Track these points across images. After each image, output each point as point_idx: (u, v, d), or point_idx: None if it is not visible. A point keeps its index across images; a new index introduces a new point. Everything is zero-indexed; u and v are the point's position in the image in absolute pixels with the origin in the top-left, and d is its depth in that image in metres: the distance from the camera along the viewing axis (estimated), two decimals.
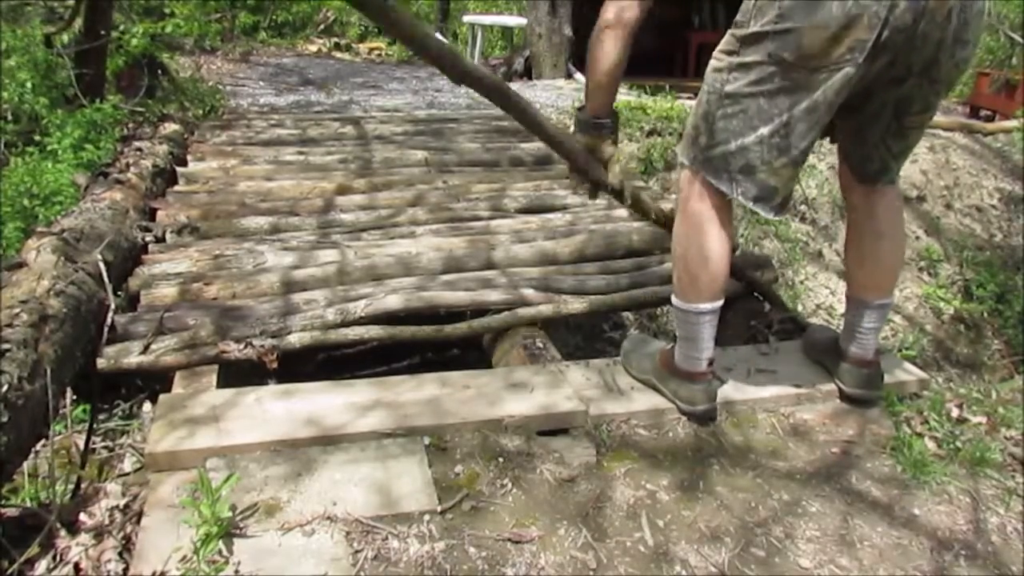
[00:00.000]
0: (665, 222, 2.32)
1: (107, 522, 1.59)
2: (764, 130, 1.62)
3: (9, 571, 1.42)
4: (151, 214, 2.97)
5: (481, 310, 2.37)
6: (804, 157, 1.67)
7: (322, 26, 10.87)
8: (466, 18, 10.15)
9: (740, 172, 1.67)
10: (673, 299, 1.86)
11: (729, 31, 1.67)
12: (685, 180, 1.80)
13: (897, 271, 1.96)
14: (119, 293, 2.32)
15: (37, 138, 3.84)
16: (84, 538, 1.53)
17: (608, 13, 1.75)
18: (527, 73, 7.22)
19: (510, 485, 1.64)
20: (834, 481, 1.74)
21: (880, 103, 1.70)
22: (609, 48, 1.76)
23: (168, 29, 5.14)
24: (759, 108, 1.62)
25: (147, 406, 2.28)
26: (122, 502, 1.65)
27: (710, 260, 1.76)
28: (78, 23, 4.39)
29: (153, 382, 2.23)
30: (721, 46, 1.69)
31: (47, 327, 1.82)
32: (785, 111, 1.60)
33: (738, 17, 1.64)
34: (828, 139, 1.92)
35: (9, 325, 1.73)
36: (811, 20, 1.51)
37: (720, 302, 1.82)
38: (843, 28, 1.49)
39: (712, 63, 1.70)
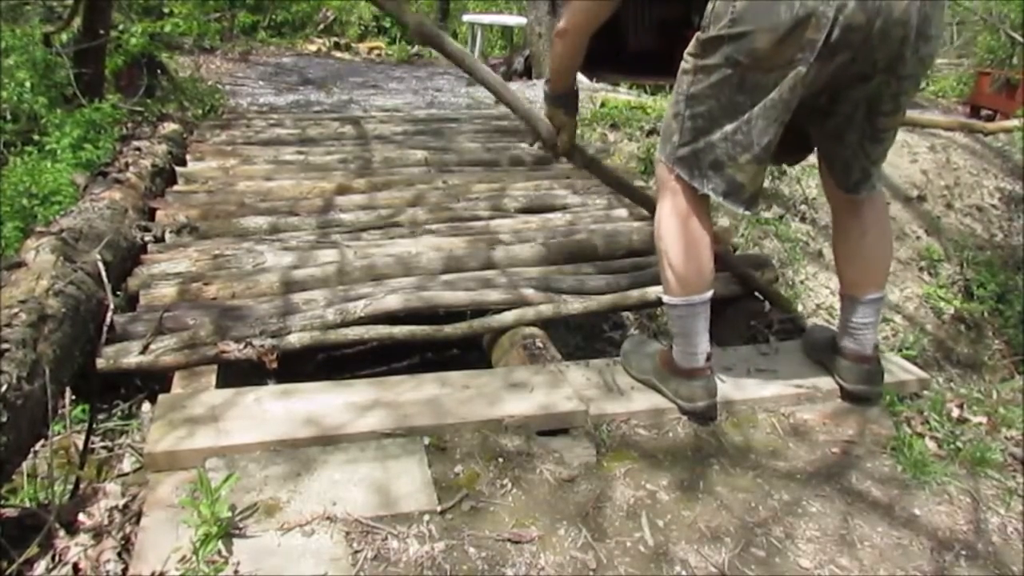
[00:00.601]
0: (620, 186, 2.47)
1: (106, 522, 1.59)
2: (728, 127, 1.69)
3: (8, 571, 1.41)
4: (150, 214, 2.97)
5: (481, 310, 2.37)
6: (767, 154, 1.71)
7: (322, 25, 10.87)
8: (466, 17, 10.14)
9: (710, 168, 1.74)
10: (664, 297, 1.89)
11: (696, 34, 1.74)
12: (662, 177, 1.86)
13: (886, 265, 1.99)
14: (118, 293, 2.32)
15: (36, 137, 3.83)
16: (83, 538, 1.52)
17: (562, 23, 1.91)
18: (527, 72, 7.22)
19: (510, 485, 1.64)
20: (834, 481, 1.74)
21: (851, 104, 1.73)
22: (561, 51, 1.98)
23: (167, 28, 5.14)
24: (721, 107, 1.69)
25: (146, 406, 2.27)
26: (121, 502, 1.65)
27: (693, 252, 1.81)
28: (77, 22, 4.38)
29: (152, 382, 2.23)
30: (688, 48, 1.76)
31: (46, 327, 1.81)
32: (746, 109, 1.66)
33: (702, 21, 1.70)
34: (802, 159, 1.99)
35: (8, 325, 1.73)
36: (761, 23, 1.57)
37: (709, 293, 1.84)
38: (791, 30, 1.54)
39: (681, 65, 1.78)
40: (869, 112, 1.73)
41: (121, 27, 4.81)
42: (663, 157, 1.85)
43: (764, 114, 1.65)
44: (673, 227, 1.82)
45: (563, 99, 2.11)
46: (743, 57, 1.61)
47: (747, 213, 1.80)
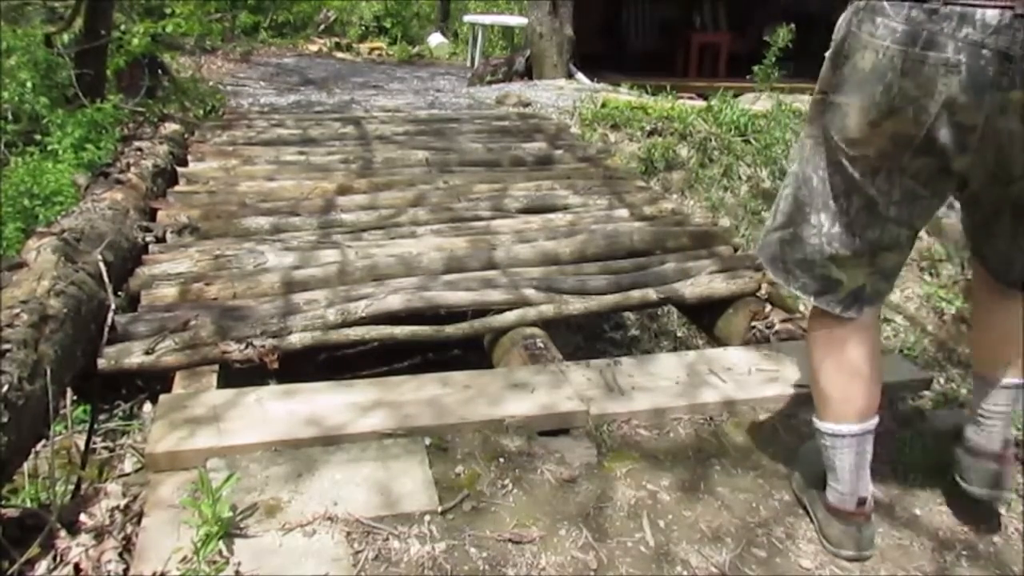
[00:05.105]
0: None
1: (107, 522, 1.59)
2: (821, 217, 1.41)
3: (9, 571, 1.42)
4: (151, 214, 2.97)
5: (482, 310, 2.37)
6: (878, 248, 1.41)
7: (323, 26, 10.88)
8: (467, 18, 10.16)
9: (797, 266, 1.48)
10: (814, 418, 1.58)
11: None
12: None
13: None
14: (119, 293, 2.32)
15: (37, 138, 3.83)
16: (84, 538, 1.52)
17: None
18: (528, 73, 7.22)
19: (511, 485, 1.64)
20: None
21: (991, 204, 1.44)
22: None
23: (169, 29, 5.14)
24: (812, 192, 1.42)
25: (147, 406, 2.28)
26: (122, 502, 1.65)
27: (836, 370, 1.50)
28: (78, 23, 4.38)
29: (154, 382, 2.23)
30: None
31: (47, 327, 1.81)
32: (840, 196, 1.39)
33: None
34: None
35: (9, 325, 1.73)
36: (856, 98, 1.30)
37: (860, 425, 1.49)
38: (885, 116, 1.28)
39: None
40: (1016, 214, 1.43)
41: (123, 27, 4.81)
42: None
43: (866, 207, 1.37)
44: (815, 336, 1.54)
45: None
46: (835, 132, 1.35)
47: (851, 316, 1.46)
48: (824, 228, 1.41)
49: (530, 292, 2.43)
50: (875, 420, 1.51)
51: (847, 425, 1.49)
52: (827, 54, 1.36)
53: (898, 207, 1.37)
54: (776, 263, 1.51)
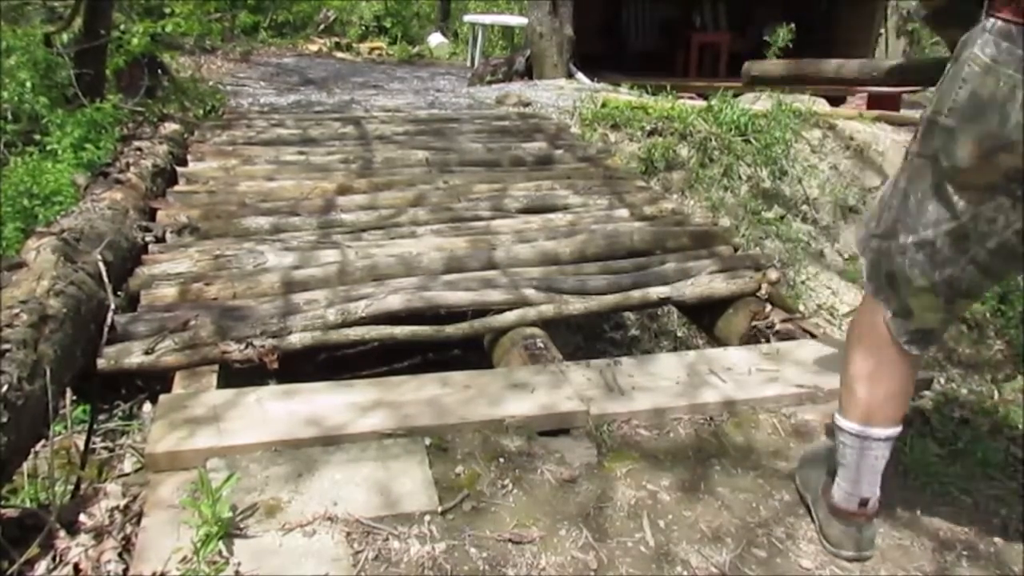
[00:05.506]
0: None
1: (107, 523, 1.59)
2: (907, 239, 1.35)
3: (9, 572, 1.42)
4: (151, 214, 2.97)
5: (482, 310, 2.37)
6: (953, 292, 1.36)
7: (323, 26, 10.88)
8: (467, 17, 10.17)
9: (886, 277, 1.42)
10: (836, 416, 1.56)
11: None
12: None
13: None
14: (119, 293, 2.32)
15: (37, 138, 3.83)
16: (84, 539, 1.52)
17: None
18: (528, 73, 7.22)
19: (511, 485, 1.64)
20: None
21: None
22: None
23: (168, 28, 5.13)
24: (907, 211, 1.35)
25: (147, 406, 2.27)
26: (122, 503, 1.65)
27: (877, 372, 1.47)
28: (78, 22, 4.38)
29: (153, 382, 2.23)
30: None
31: (47, 327, 1.81)
32: (931, 225, 1.32)
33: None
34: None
35: (9, 325, 1.73)
36: (971, 126, 1.21)
37: (889, 430, 1.48)
38: (1000, 149, 1.20)
39: None
40: None
41: (122, 27, 4.81)
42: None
43: (953, 242, 1.30)
44: (859, 334, 1.50)
45: None
46: (944, 157, 1.26)
47: (911, 350, 1.43)
48: (909, 248, 1.35)
49: (530, 292, 2.43)
50: (894, 430, 1.49)
51: (861, 426, 1.48)
52: (947, 69, 1.27)
53: (990, 254, 1.30)
54: (872, 270, 1.45)
